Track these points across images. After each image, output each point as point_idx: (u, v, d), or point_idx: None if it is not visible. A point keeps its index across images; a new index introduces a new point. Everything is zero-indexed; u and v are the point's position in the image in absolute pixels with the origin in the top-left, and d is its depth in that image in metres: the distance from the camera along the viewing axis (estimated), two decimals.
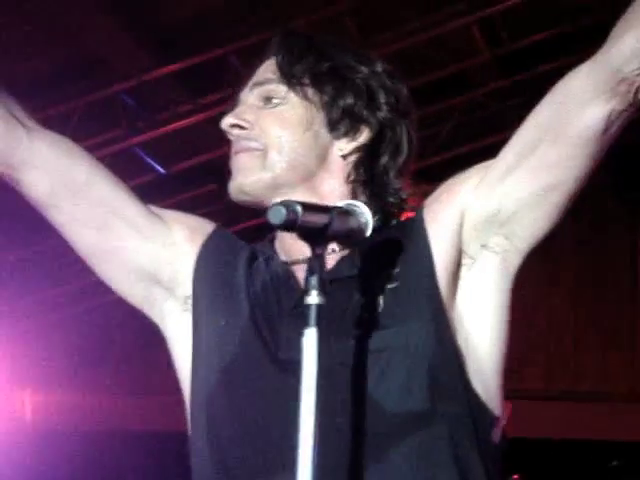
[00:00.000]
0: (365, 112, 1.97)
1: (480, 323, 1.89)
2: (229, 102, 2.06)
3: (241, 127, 1.97)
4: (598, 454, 8.25)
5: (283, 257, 1.98)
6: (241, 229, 6.05)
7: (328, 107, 1.96)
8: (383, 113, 1.97)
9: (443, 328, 1.85)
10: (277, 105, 1.97)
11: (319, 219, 1.63)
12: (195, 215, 2.11)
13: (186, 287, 2.00)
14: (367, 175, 1.97)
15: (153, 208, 2.06)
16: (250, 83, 2.02)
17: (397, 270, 1.89)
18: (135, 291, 2.04)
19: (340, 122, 1.96)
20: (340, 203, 1.73)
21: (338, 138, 1.97)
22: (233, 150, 1.99)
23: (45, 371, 8.44)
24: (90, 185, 1.99)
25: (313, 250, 1.64)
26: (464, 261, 1.91)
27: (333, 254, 1.92)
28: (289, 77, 1.97)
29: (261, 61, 2.04)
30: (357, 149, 1.97)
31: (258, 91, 1.99)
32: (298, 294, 1.88)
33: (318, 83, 1.97)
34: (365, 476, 1.79)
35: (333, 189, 1.96)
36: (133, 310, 2.06)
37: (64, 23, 5.69)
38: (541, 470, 7.88)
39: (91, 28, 5.79)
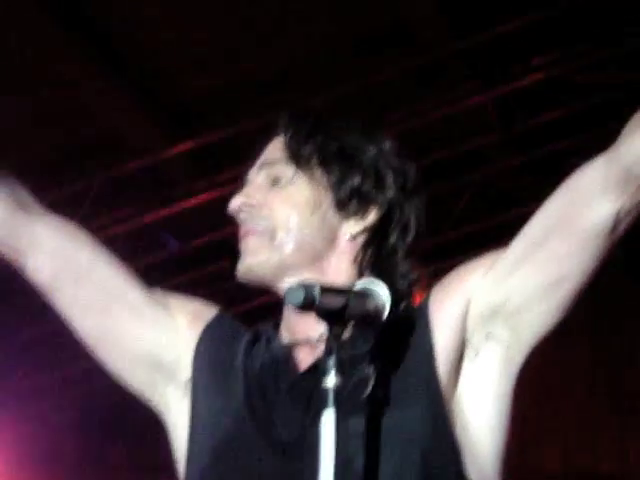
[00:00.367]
0: (373, 192, 1.97)
1: (480, 413, 1.88)
2: (239, 181, 2.07)
3: (250, 206, 1.97)
4: None
5: (286, 337, 1.97)
6: (255, 306, 6.04)
7: (336, 188, 1.97)
8: (391, 193, 1.98)
9: (439, 416, 1.84)
10: (285, 186, 1.97)
11: (337, 301, 1.65)
12: (200, 298, 2.11)
13: (187, 371, 2.00)
14: (375, 256, 1.97)
15: (156, 292, 2.06)
16: (258, 163, 2.03)
17: (397, 354, 1.88)
18: (136, 377, 2.03)
19: (348, 203, 1.97)
20: (358, 285, 1.72)
21: (346, 219, 1.97)
22: (242, 231, 1.99)
23: None
24: (93, 270, 2.00)
25: (331, 331, 1.65)
26: (467, 352, 1.90)
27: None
28: (297, 158, 1.97)
29: (269, 140, 2.05)
30: (365, 230, 1.97)
31: (266, 171, 2.00)
32: (295, 376, 1.89)
33: (326, 164, 1.97)
34: None
35: (341, 270, 1.96)
36: None
37: (79, 100, 5.74)
38: None
39: (106, 105, 5.84)
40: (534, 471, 7.34)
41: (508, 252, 1.90)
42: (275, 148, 2.02)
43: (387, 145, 2.02)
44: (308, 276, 1.91)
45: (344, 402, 1.73)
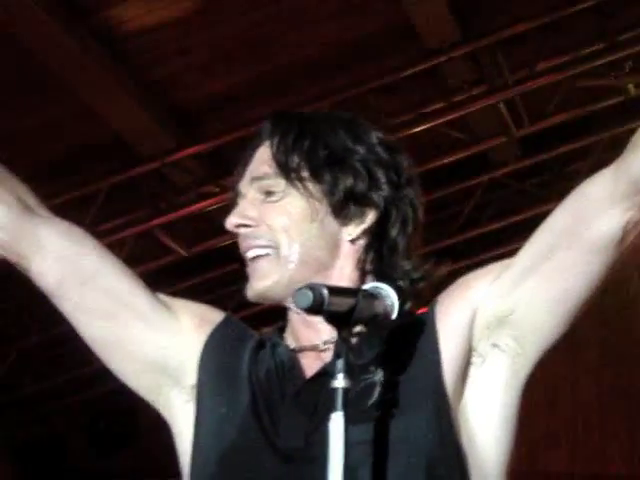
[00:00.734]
0: (367, 194, 1.94)
1: (486, 422, 1.87)
2: (230, 191, 2.04)
3: (246, 226, 1.96)
4: None
5: (291, 343, 1.96)
6: (263, 309, 6.03)
7: (330, 195, 1.94)
8: (385, 192, 1.95)
9: (445, 424, 1.82)
10: (279, 199, 1.95)
11: (345, 302, 1.62)
12: (205, 303, 2.10)
13: (192, 376, 1.99)
14: (377, 256, 1.95)
15: (161, 296, 2.05)
16: (248, 176, 2.00)
17: (402, 362, 1.87)
18: (142, 381, 2.02)
19: (344, 208, 1.94)
20: (366, 286, 1.72)
21: (345, 224, 1.95)
22: (244, 246, 1.98)
23: None
24: (98, 275, 1.99)
25: (339, 333, 1.63)
26: (473, 359, 1.89)
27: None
28: (287, 171, 1.94)
29: (255, 146, 2.02)
30: (365, 231, 1.95)
31: (257, 185, 1.97)
32: (301, 382, 1.88)
33: (316, 173, 1.94)
34: None
35: (344, 275, 1.94)
36: None
37: (86, 104, 5.75)
38: None
39: (114, 109, 5.85)
40: (542, 474, 7.33)
41: (515, 262, 1.89)
42: (263, 160, 1.99)
43: (375, 138, 1.98)
44: None
45: (349, 409, 1.72)
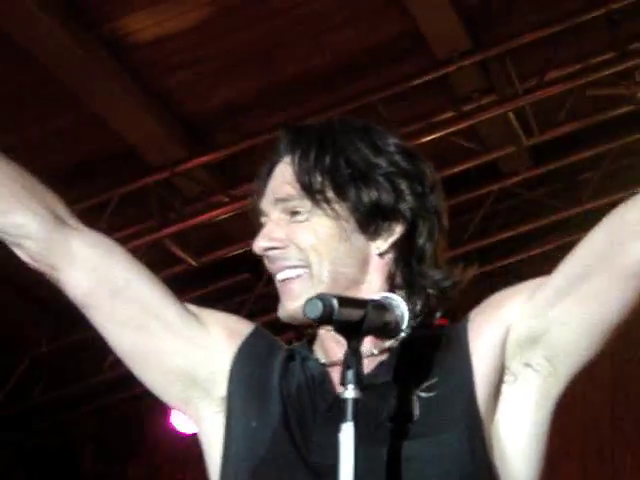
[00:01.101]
0: (393, 207, 1.93)
1: (517, 440, 1.86)
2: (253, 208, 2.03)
3: (274, 249, 1.94)
4: None
5: (321, 357, 1.96)
6: (273, 319, 6.03)
7: (355, 212, 1.92)
8: (410, 203, 1.94)
9: (478, 442, 1.82)
10: (305, 219, 1.94)
11: (354, 313, 1.62)
12: (235, 315, 2.09)
13: (222, 388, 1.98)
14: (406, 268, 1.94)
15: (191, 307, 2.04)
16: (271, 196, 1.98)
17: (435, 380, 1.86)
18: (172, 392, 2.02)
19: (371, 223, 1.93)
20: (375, 296, 1.71)
21: (373, 239, 1.94)
22: (274, 268, 1.97)
23: None
24: (129, 286, 1.99)
25: (349, 344, 1.63)
26: (506, 377, 1.89)
27: (372, 357, 1.89)
28: (311, 193, 1.93)
29: (274, 162, 2.01)
30: (393, 244, 1.94)
31: (282, 206, 1.96)
32: (333, 397, 1.86)
33: (341, 191, 1.93)
34: None
35: (374, 289, 1.91)
36: None
37: (96, 115, 5.77)
38: None
39: (123, 119, 5.87)
40: None
41: (549, 282, 1.88)
42: (285, 179, 1.97)
43: (393, 147, 1.97)
44: None
45: (381, 427, 1.74)
